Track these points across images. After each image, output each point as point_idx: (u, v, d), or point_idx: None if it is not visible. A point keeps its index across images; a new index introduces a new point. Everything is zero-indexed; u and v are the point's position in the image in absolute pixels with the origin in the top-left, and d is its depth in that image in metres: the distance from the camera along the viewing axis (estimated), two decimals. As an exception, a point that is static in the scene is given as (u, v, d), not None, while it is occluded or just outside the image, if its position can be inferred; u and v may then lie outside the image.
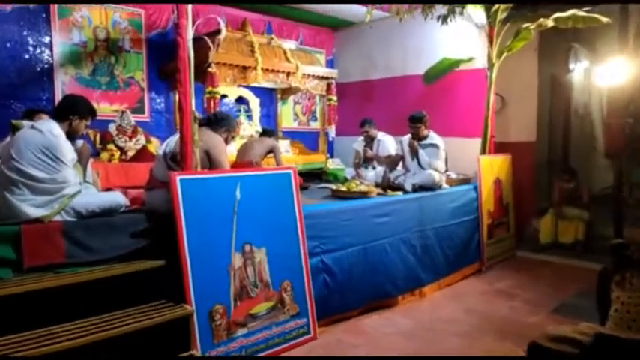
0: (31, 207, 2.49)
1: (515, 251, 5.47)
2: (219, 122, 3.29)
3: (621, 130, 4.87)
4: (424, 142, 4.49)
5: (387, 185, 4.52)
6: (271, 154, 4.57)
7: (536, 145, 6.39)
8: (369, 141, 5.31)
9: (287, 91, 6.19)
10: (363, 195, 3.93)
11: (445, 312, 3.71)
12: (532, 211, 6.04)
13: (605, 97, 5.72)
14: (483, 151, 5.11)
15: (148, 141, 4.93)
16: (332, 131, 5.59)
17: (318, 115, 7.04)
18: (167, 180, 2.64)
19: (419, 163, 4.44)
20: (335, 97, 5.60)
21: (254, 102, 6.02)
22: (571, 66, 6.06)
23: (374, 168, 5.27)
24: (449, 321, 3.51)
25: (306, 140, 6.40)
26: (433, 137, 4.53)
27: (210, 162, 3.03)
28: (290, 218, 3.12)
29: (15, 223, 2.45)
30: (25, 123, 3.21)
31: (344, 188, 4.06)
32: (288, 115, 6.63)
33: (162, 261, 2.60)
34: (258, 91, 6.09)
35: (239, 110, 5.80)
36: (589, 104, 6.61)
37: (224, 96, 5.68)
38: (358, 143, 5.48)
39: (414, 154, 4.43)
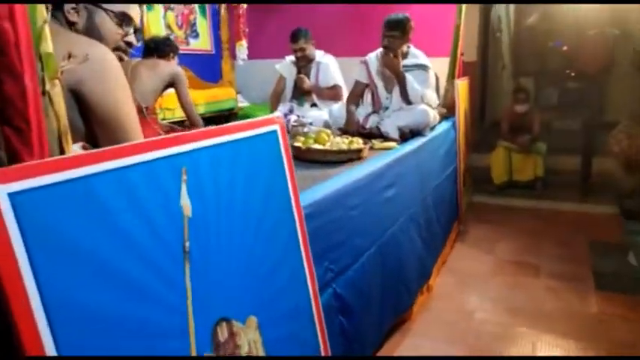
0: None
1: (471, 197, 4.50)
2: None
3: (605, 44, 4.02)
4: (407, 62, 2.98)
5: (356, 133, 2.97)
6: (169, 90, 2.60)
7: (478, 64, 5.39)
8: (304, 64, 3.60)
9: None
10: (356, 156, 2.34)
11: (471, 312, 2.48)
12: (478, 144, 5.13)
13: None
14: (452, 74, 3.82)
15: None
16: (243, 50, 3.72)
17: (199, 29, 4.94)
18: None
19: (403, 96, 2.95)
20: (243, -2, 3.68)
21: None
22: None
23: (314, 105, 3.63)
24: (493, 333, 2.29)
25: (192, 66, 4.35)
26: (418, 55, 3.04)
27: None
28: (287, 228, 1.42)
29: None
30: None
31: (321, 145, 2.40)
32: (157, 28, 4.43)
33: None
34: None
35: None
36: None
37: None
38: (284, 66, 3.73)
39: (400, 81, 2.91)
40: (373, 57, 3.12)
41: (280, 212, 1.40)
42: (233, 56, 3.77)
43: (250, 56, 3.82)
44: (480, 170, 4.78)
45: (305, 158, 2.33)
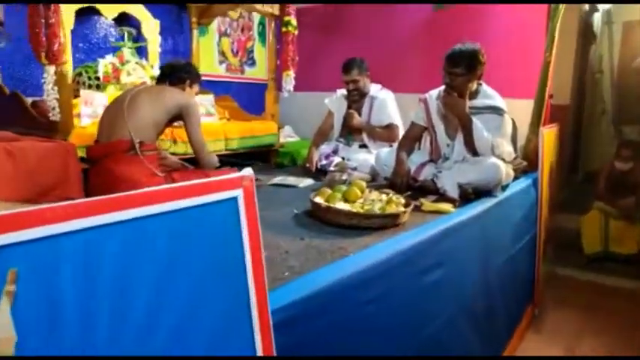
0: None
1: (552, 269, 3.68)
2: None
3: None
4: (476, 102, 2.39)
5: (405, 185, 2.40)
6: (178, 123, 2.21)
7: (571, 108, 4.60)
8: (357, 99, 3.11)
9: (208, 12, 3.74)
10: (391, 223, 1.78)
11: None
12: (567, 203, 4.29)
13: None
14: (538, 120, 3.13)
15: None
16: (289, 81, 3.31)
17: (256, 57, 4.66)
18: None
19: (469, 145, 2.35)
20: (295, 22, 3.28)
21: (150, 26, 3.52)
22: None
23: (363, 146, 3.11)
24: None
25: (240, 96, 4.04)
26: (491, 95, 2.44)
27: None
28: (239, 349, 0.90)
29: None
30: None
31: (352, 201, 1.88)
32: (209, 54, 4.20)
33: None
34: (157, 9, 3.59)
35: (122, 37, 3.27)
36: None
37: (92, 11, 3.15)
38: (334, 100, 3.28)
39: (464, 126, 2.32)
40: (434, 95, 2.56)
41: (227, 324, 0.90)
42: (279, 87, 3.38)
43: (301, 88, 3.41)
44: (567, 235, 3.94)
45: (325, 220, 1.81)
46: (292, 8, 3.20)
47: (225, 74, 4.34)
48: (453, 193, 2.25)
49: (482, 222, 2.11)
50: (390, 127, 3.06)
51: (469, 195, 2.24)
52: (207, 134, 2.81)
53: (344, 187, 2.04)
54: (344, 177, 2.51)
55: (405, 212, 1.80)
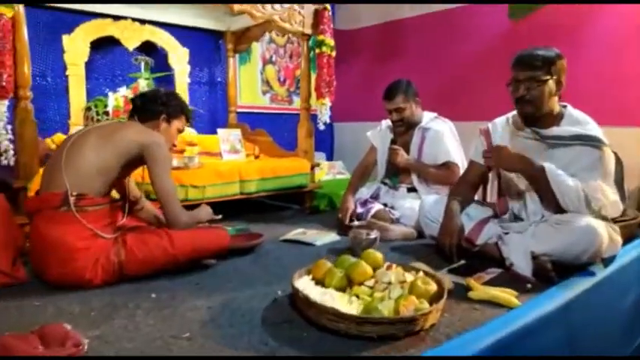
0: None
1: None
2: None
3: None
4: (559, 130, 1.66)
5: (455, 250, 1.71)
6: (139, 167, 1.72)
7: None
8: (403, 130, 2.48)
9: (246, 36, 3.34)
10: (404, 328, 1.12)
11: None
12: None
13: None
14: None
15: None
16: (326, 111, 2.78)
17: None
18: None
19: (547, 200, 1.61)
20: (332, 42, 2.75)
21: (178, 54, 3.19)
22: None
23: (412, 190, 2.44)
24: None
25: (278, 130, 3.56)
26: (581, 120, 1.69)
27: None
28: None
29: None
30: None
31: (358, 280, 1.29)
32: (252, 84, 3.80)
33: None
34: (189, 37, 3.27)
35: (138, 67, 2.94)
36: None
37: (111, 41, 2.90)
38: (378, 133, 2.67)
39: (532, 182, 1.60)
40: (501, 123, 1.87)
41: None
42: (314, 118, 2.85)
43: (356, 117, 2.90)
44: None
45: (306, 316, 1.21)
46: (328, 25, 2.68)
47: (269, 105, 3.92)
48: (525, 268, 1.53)
49: (570, 318, 1.36)
50: (447, 166, 2.38)
51: (548, 272, 1.50)
52: (214, 176, 2.35)
53: (374, 253, 1.43)
54: (372, 235, 1.88)
55: (429, 313, 1.13)
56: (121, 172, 1.59)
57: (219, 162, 2.67)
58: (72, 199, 1.43)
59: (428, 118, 2.48)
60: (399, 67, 3.66)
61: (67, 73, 2.74)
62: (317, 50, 2.72)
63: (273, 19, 2.52)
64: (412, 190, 2.44)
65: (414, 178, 2.44)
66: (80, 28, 2.76)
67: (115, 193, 1.77)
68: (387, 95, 2.42)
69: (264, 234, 2.03)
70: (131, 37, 2.94)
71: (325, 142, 4.30)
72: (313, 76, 2.86)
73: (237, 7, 2.36)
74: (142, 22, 2.99)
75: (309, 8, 2.68)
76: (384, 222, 2.20)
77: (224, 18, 3.29)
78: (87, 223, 1.45)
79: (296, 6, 2.62)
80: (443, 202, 1.92)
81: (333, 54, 2.76)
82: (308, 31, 2.70)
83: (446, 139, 2.40)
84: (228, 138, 2.91)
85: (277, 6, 2.51)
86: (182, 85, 3.19)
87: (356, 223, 2.08)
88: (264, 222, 2.50)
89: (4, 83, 1.69)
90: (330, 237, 2.12)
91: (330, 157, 4.30)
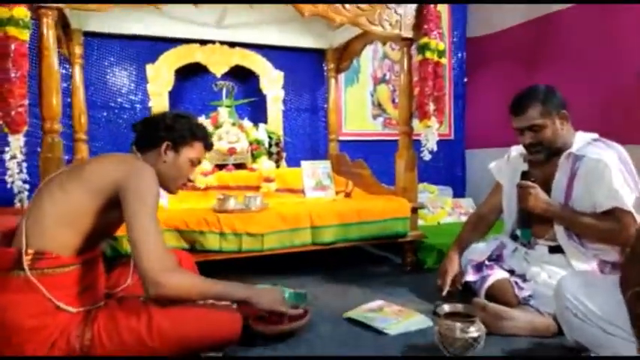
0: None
1: None
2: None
3: None
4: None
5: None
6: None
7: None
8: (542, 159, 1.67)
9: (348, 52, 2.86)
10: None
11: None
12: None
13: None
14: None
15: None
16: (432, 136, 2.13)
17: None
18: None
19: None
20: (442, 45, 2.09)
21: (271, 78, 2.85)
22: None
23: (556, 249, 1.61)
24: None
25: (391, 159, 2.95)
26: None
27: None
28: None
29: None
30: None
31: None
32: (360, 108, 3.28)
33: None
34: (287, 58, 2.92)
35: (220, 95, 2.64)
36: None
37: (198, 68, 2.69)
38: (504, 164, 1.89)
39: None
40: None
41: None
42: (416, 145, 2.19)
43: (495, 142, 2.19)
44: None
45: None
46: (435, 24, 2.04)
47: (381, 131, 3.34)
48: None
49: None
50: (614, 215, 1.50)
51: None
52: (277, 221, 1.86)
53: None
54: (472, 334, 1.16)
55: None
56: (103, 218, 1.19)
57: (296, 201, 2.19)
58: (26, 259, 1.07)
59: (582, 141, 1.63)
60: (550, 74, 2.79)
61: (150, 104, 2.59)
62: (419, 57, 2.09)
63: (358, 21, 1.98)
64: (556, 249, 1.62)
65: (559, 231, 1.60)
66: (165, 55, 2.60)
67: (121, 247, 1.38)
68: (514, 107, 1.67)
69: (310, 310, 1.45)
70: (219, 62, 2.70)
71: (454, 175, 3.55)
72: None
73: (307, 11, 1.88)
74: (232, 45, 2.74)
75: (409, 7, 2.07)
76: (503, 302, 1.44)
77: (325, 33, 2.88)
78: (46, 292, 1.07)
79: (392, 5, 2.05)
80: (598, 282, 1.13)
81: (443, 61, 2.10)
82: (408, 33, 2.09)
83: (612, 174, 1.52)
84: (314, 172, 2.43)
85: (364, 5, 1.97)
86: (275, 112, 2.83)
87: (445, 308, 1.34)
88: (341, 280, 1.93)
89: (12, 115, 1.46)
90: (417, 321, 1.45)
91: (460, 193, 3.52)
